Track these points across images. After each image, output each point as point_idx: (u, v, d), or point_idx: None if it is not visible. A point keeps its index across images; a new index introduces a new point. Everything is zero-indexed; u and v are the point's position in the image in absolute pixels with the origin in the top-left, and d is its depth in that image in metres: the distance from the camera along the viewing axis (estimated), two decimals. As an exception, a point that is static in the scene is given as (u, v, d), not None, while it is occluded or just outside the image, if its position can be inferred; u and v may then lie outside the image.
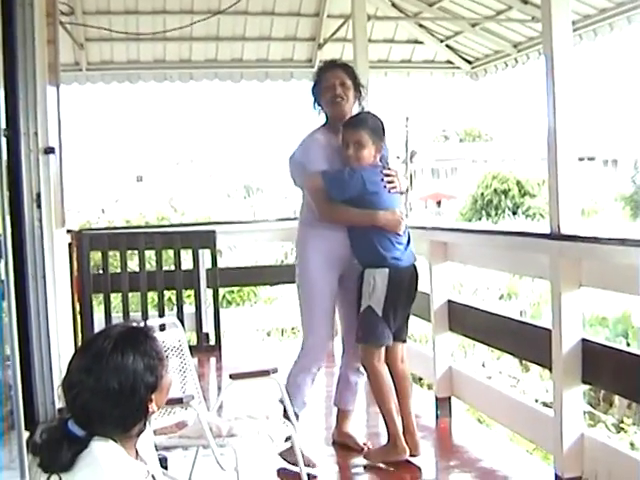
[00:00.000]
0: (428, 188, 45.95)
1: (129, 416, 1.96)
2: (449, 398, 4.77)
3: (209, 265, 6.73)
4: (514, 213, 33.93)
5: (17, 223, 4.27)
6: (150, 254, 6.74)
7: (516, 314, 10.98)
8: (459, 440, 4.53)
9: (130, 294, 6.64)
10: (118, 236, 6.82)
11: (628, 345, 10.60)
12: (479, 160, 47.77)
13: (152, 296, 6.75)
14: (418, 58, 8.11)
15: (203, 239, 6.69)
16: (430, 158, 49.12)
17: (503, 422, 4.53)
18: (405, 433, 3.92)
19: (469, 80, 8.25)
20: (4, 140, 3.51)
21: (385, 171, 3.87)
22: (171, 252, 6.75)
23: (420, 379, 6.56)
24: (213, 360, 6.54)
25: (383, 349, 3.89)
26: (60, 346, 4.57)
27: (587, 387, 6.36)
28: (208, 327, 6.78)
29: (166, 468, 3.32)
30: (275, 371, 3.49)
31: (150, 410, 1.98)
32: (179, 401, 3.01)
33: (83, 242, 6.35)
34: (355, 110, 4.04)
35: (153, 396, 1.97)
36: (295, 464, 3.48)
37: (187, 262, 6.92)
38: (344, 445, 4.11)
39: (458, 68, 8.09)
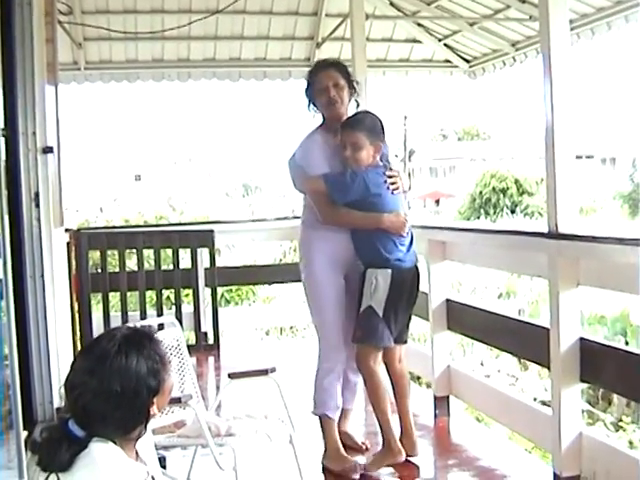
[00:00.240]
0: (427, 187, 45.94)
1: (130, 419, 1.96)
2: (447, 397, 4.77)
3: (207, 264, 6.73)
4: (512, 212, 33.94)
5: (15, 222, 4.27)
6: (149, 253, 6.75)
7: (514, 313, 11.00)
8: (458, 439, 4.53)
9: (129, 293, 6.64)
10: (116, 235, 6.82)
11: (627, 343, 10.60)
12: (477, 159, 47.76)
13: (150, 295, 6.75)
14: (416, 57, 8.12)
15: (201, 238, 6.70)
16: (428, 157, 49.13)
17: (502, 421, 4.53)
18: (403, 433, 3.92)
19: (467, 79, 8.26)
20: (2, 140, 3.51)
21: (388, 172, 3.81)
22: (169, 251, 6.75)
23: (418, 378, 6.57)
24: (212, 359, 6.54)
25: (380, 352, 3.84)
26: (59, 346, 4.57)
27: (585, 386, 6.37)
28: (206, 326, 6.78)
29: (165, 467, 3.32)
30: (273, 370, 3.49)
31: (151, 413, 1.98)
32: (177, 400, 3.01)
33: (81, 241, 6.35)
34: (351, 106, 3.98)
35: (155, 399, 1.98)
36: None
37: (185, 261, 6.92)
38: (343, 444, 4.11)
39: (456, 67, 8.11)
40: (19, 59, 4.37)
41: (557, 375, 3.51)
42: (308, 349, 6.94)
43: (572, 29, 5.56)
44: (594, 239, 3.33)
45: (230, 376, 3.50)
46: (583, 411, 7.62)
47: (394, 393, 3.97)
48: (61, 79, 5.33)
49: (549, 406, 3.71)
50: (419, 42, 7.91)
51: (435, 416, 4.73)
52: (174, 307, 6.72)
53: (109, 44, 7.41)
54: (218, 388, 5.51)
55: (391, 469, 3.86)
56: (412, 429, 3.98)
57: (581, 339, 3.47)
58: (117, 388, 1.90)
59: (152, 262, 6.69)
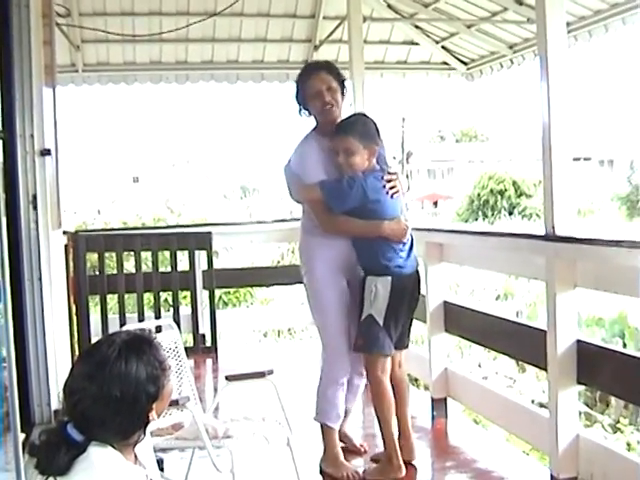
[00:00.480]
0: (424, 189, 45.96)
1: (129, 424, 1.96)
2: (445, 399, 4.78)
3: (205, 266, 6.74)
4: (510, 213, 33.98)
5: (13, 225, 4.28)
6: (146, 255, 6.74)
7: (512, 315, 11.00)
8: (455, 441, 4.54)
9: (126, 295, 6.63)
10: (114, 237, 6.82)
11: (625, 346, 10.61)
12: (475, 160, 47.79)
13: (148, 297, 6.75)
14: (414, 59, 8.12)
15: (199, 240, 6.70)
16: (426, 159, 49.17)
17: (499, 423, 4.54)
18: (401, 437, 3.89)
19: (465, 81, 8.26)
20: (0, 142, 3.50)
21: (386, 177, 3.73)
22: (167, 253, 6.76)
23: (416, 380, 6.58)
24: (209, 361, 6.54)
25: (388, 359, 3.80)
26: (56, 348, 4.57)
27: (582, 388, 6.38)
28: (204, 328, 6.78)
29: (162, 470, 3.32)
30: (271, 372, 3.49)
31: (150, 419, 1.98)
32: (175, 403, 3.01)
33: (79, 243, 6.35)
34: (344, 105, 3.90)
35: (154, 405, 1.97)
36: None
37: (183, 263, 6.92)
38: (342, 446, 4.11)
39: (454, 69, 8.11)
40: (17, 61, 4.37)
41: (554, 377, 3.52)
42: (306, 351, 6.96)
43: (569, 31, 5.60)
44: (591, 241, 3.34)
45: (228, 378, 3.50)
46: (581, 413, 7.63)
47: (394, 397, 3.95)
48: (59, 81, 5.33)
49: (547, 408, 3.72)
50: (416, 44, 7.91)
51: (433, 418, 4.73)
52: (172, 309, 6.71)
53: (107, 46, 7.41)
54: (216, 390, 5.52)
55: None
56: (410, 434, 3.97)
57: (578, 341, 3.47)
58: (116, 394, 1.89)
59: (150, 264, 6.69)
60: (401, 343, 3.87)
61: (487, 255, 4.53)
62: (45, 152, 4.52)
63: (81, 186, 37.49)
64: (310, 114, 3.89)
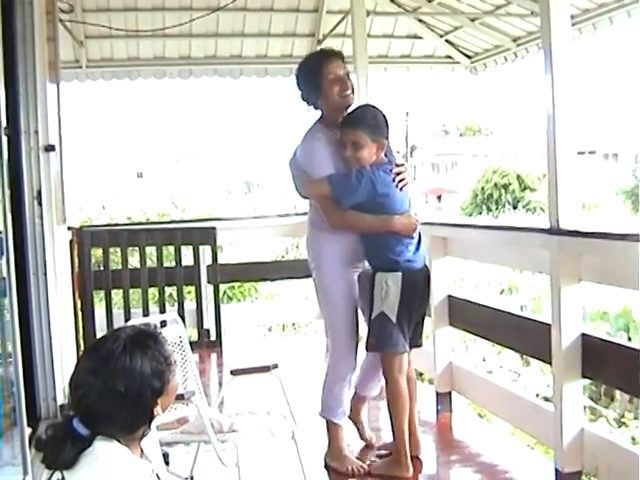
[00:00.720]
0: (428, 183, 45.90)
1: (134, 419, 1.96)
2: (450, 393, 4.78)
3: (210, 261, 6.75)
4: (514, 207, 33.90)
5: (18, 220, 4.28)
6: (151, 250, 6.75)
7: (517, 309, 11.01)
8: (460, 435, 4.54)
9: (131, 290, 6.65)
10: (119, 233, 6.83)
11: (629, 339, 10.62)
12: (479, 154, 47.72)
13: (153, 292, 6.76)
14: (418, 53, 8.12)
15: (204, 235, 6.71)
16: (430, 153, 49.09)
17: (504, 417, 4.54)
18: (409, 433, 3.89)
19: (469, 75, 8.26)
20: (5, 138, 3.50)
21: (395, 169, 3.66)
22: (172, 248, 6.76)
23: (421, 374, 6.57)
24: (214, 356, 6.55)
25: (405, 357, 3.72)
26: (62, 343, 4.58)
27: (587, 382, 6.38)
28: (209, 323, 6.79)
29: (168, 464, 3.34)
30: (276, 367, 3.49)
31: (155, 414, 1.98)
32: (180, 397, 3.02)
33: (84, 239, 6.36)
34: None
35: (159, 400, 1.98)
36: None
37: (188, 258, 6.93)
38: (357, 427, 4.09)
39: (458, 63, 8.11)
40: (21, 57, 4.37)
41: (559, 371, 3.51)
42: (310, 346, 6.97)
43: (574, 24, 5.57)
44: (596, 235, 3.33)
45: (232, 373, 3.51)
46: (585, 407, 7.63)
47: None
48: (63, 77, 5.33)
49: (551, 402, 3.72)
50: (420, 38, 7.91)
51: (437, 412, 4.74)
52: (176, 304, 6.72)
53: (110, 42, 7.42)
54: (220, 385, 5.53)
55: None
56: (416, 429, 3.94)
57: (583, 335, 3.47)
58: (121, 389, 1.90)
59: (154, 259, 6.70)
60: (415, 342, 3.78)
61: (492, 249, 4.53)
62: (49, 148, 4.52)
63: (86, 182, 37.54)
64: (316, 103, 3.79)
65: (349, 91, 3.73)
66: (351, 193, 3.60)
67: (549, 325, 3.55)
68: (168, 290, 7.04)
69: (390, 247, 3.64)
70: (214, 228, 6.72)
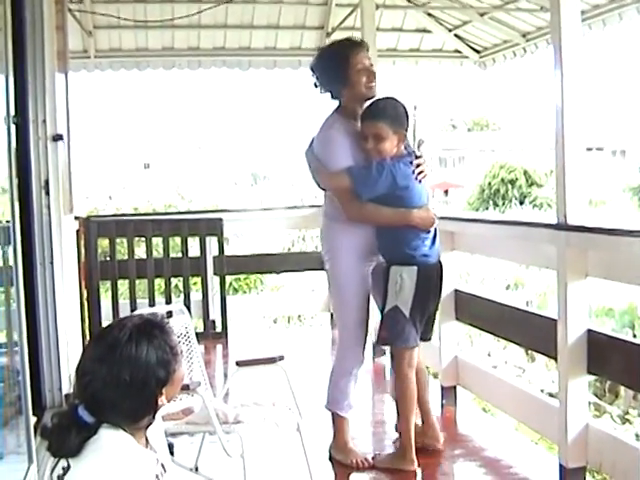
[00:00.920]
0: (436, 177, 45.81)
1: (139, 408, 1.97)
2: (455, 387, 4.79)
3: (216, 252, 6.75)
4: (521, 203, 33.85)
5: (26, 210, 4.29)
6: (157, 241, 6.76)
7: (522, 304, 11.00)
8: (464, 429, 4.54)
9: (137, 281, 6.67)
10: (125, 223, 6.83)
11: (634, 336, 10.60)
12: (487, 149, 47.62)
13: (159, 283, 6.77)
14: (426, 47, 8.10)
15: (210, 226, 6.71)
16: (438, 147, 48.96)
17: (508, 412, 4.54)
18: (425, 424, 3.88)
19: (477, 69, 8.24)
20: (13, 127, 3.51)
21: (415, 161, 3.63)
22: (178, 239, 6.76)
23: (426, 368, 6.57)
24: (219, 347, 6.57)
25: (415, 351, 3.71)
26: (68, 332, 4.59)
27: (592, 378, 6.37)
28: (215, 314, 6.80)
29: (172, 454, 3.34)
30: (281, 358, 3.50)
31: (160, 404, 1.99)
32: (186, 388, 3.02)
33: (91, 229, 6.37)
34: None
35: (164, 390, 1.98)
36: None
37: (194, 249, 6.94)
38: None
39: (466, 57, 8.08)
40: (29, 47, 4.37)
41: (564, 367, 3.51)
42: (316, 338, 6.98)
43: (583, 20, 5.55)
44: (603, 230, 3.33)
45: (238, 364, 3.52)
46: (590, 403, 7.62)
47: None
48: (71, 67, 5.32)
49: (556, 398, 3.72)
50: (429, 32, 7.88)
51: (442, 406, 4.74)
52: (182, 295, 6.73)
53: (119, 32, 7.41)
54: (226, 376, 5.54)
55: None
56: (434, 421, 3.95)
57: (589, 331, 3.46)
58: (126, 377, 1.91)
59: (161, 250, 6.71)
60: (425, 336, 3.78)
61: (498, 244, 4.52)
62: (57, 137, 4.53)
63: (93, 172, 37.60)
64: (338, 92, 3.73)
65: (375, 82, 3.70)
66: (371, 186, 3.56)
67: (555, 320, 3.55)
68: (174, 281, 7.05)
69: (407, 241, 3.62)
70: (221, 219, 6.73)
